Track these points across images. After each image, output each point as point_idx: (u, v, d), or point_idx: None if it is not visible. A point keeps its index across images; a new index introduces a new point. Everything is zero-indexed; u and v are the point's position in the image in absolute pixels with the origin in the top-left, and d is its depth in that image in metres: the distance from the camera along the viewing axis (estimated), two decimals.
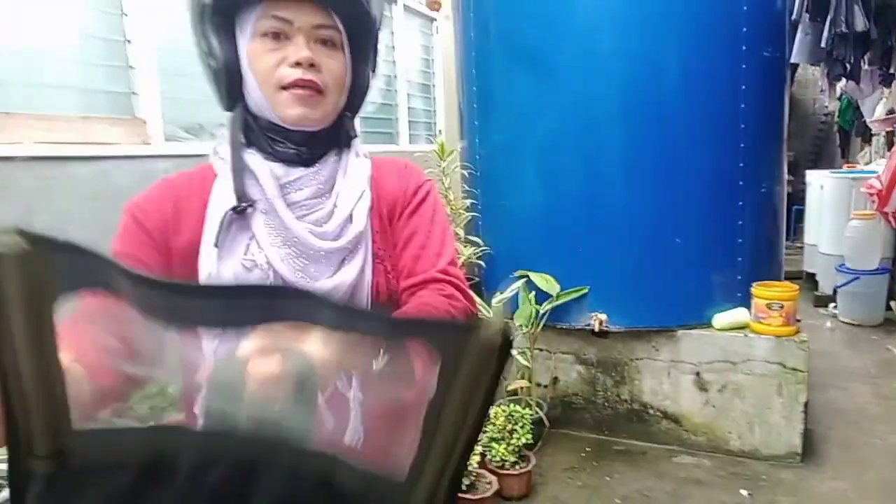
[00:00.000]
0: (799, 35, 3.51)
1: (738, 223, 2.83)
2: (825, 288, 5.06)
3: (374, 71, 0.89)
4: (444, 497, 0.46)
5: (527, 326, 2.74)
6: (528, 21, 2.80)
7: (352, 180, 0.87)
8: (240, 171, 0.81)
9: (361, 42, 0.85)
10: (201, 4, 0.79)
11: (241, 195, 0.80)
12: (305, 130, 0.83)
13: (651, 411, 2.88)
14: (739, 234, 2.84)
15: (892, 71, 3.77)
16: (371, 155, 0.93)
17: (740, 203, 2.82)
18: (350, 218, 0.84)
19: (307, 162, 0.84)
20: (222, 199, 0.81)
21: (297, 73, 0.79)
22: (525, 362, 2.77)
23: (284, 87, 0.80)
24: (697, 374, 2.79)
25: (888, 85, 4.28)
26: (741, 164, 2.79)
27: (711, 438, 2.79)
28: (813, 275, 5.36)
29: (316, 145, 0.85)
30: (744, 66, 2.73)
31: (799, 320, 2.76)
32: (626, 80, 2.71)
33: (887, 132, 5.30)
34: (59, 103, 2.20)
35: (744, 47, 2.73)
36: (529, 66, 2.82)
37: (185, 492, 0.48)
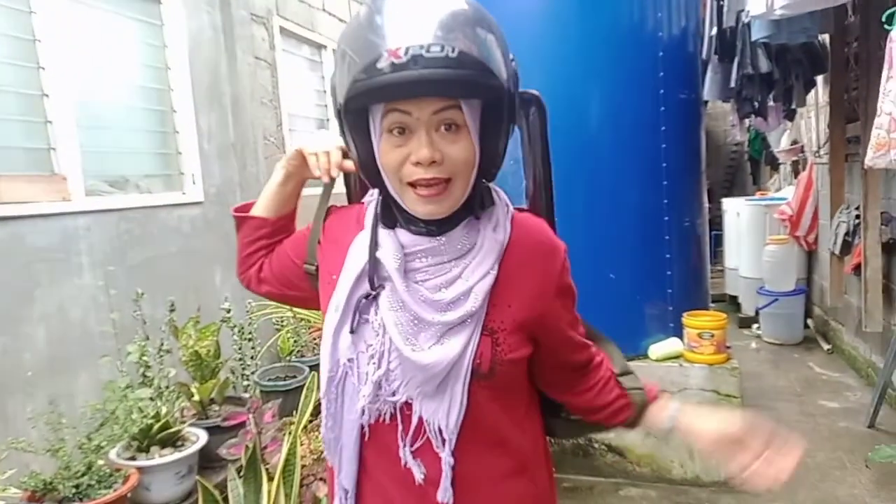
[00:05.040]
0: (709, 74, 3.72)
1: (667, 256, 2.96)
2: (748, 309, 5.33)
3: (509, 135, 0.86)
4: None
5: None
6: None
7: (482, 254, 0.86)
8: (374, 249, 0.87)
9: (489, 116, 0.83)
10: (337, 106, 0.82)
11: (373, 278, 0.86)
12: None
13: (596, 445, 2.92)
14: (668, 266, 2.96)
15: (793, 106, 4.05)
16: (514, 210, 0.93)
17: (667, 237, 2.94)
18: (468, 293, 0.84)
19: (439, 233, 0.86)
20: (359, 253, 0.89)
21: (420, 172, 0.80)
22: None
23: (411, 184, 0.82)
24: None
25: (791, 119, 4.60)
26: (665, 201, 2.92)
27: (655, 469, 2.85)
28: (735, 297, 5.64)
29: (448, 220, 0.86)
30: (662, 108, 2.88)
31: (729, 347, 2.88)
32: (552, 120, 2.80)
33: (793, 161, 5.68)
34: None
35: (661, 91, 2.88)
36: None
37: None
